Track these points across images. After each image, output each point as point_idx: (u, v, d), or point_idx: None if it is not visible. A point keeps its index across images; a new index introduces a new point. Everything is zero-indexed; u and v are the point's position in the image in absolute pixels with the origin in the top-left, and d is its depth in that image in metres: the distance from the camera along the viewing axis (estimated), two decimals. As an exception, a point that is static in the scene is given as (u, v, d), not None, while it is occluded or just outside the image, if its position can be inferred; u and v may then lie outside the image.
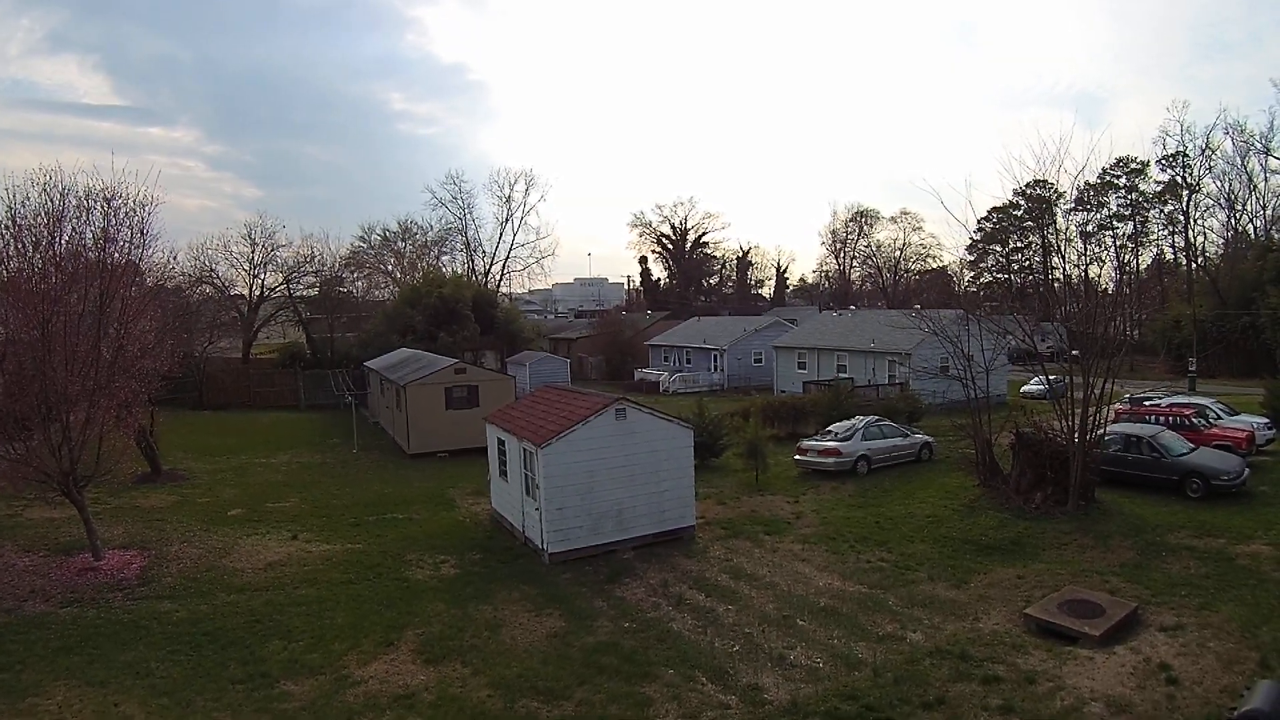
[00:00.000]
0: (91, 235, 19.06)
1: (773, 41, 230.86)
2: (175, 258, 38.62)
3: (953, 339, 25.33)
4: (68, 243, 18.53)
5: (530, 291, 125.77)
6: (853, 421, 28.29)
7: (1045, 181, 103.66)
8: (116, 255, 19.11)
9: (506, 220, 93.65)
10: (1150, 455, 23.03)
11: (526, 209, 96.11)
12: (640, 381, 63.66)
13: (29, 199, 18.22)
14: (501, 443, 21.53)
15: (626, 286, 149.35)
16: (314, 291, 72.02)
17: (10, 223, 17.93)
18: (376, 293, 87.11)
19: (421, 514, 23.86)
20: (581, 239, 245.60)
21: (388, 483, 28.73)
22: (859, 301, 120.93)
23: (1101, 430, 22.15)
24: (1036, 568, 17.10)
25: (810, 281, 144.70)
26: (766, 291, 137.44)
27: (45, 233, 18.11)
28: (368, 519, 23.31)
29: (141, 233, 19.69)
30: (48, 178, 18.38)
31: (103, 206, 18.99)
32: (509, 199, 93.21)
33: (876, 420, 28.49)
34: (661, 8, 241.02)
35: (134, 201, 19.36)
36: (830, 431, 27.85)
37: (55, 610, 16.08)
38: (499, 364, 63.85)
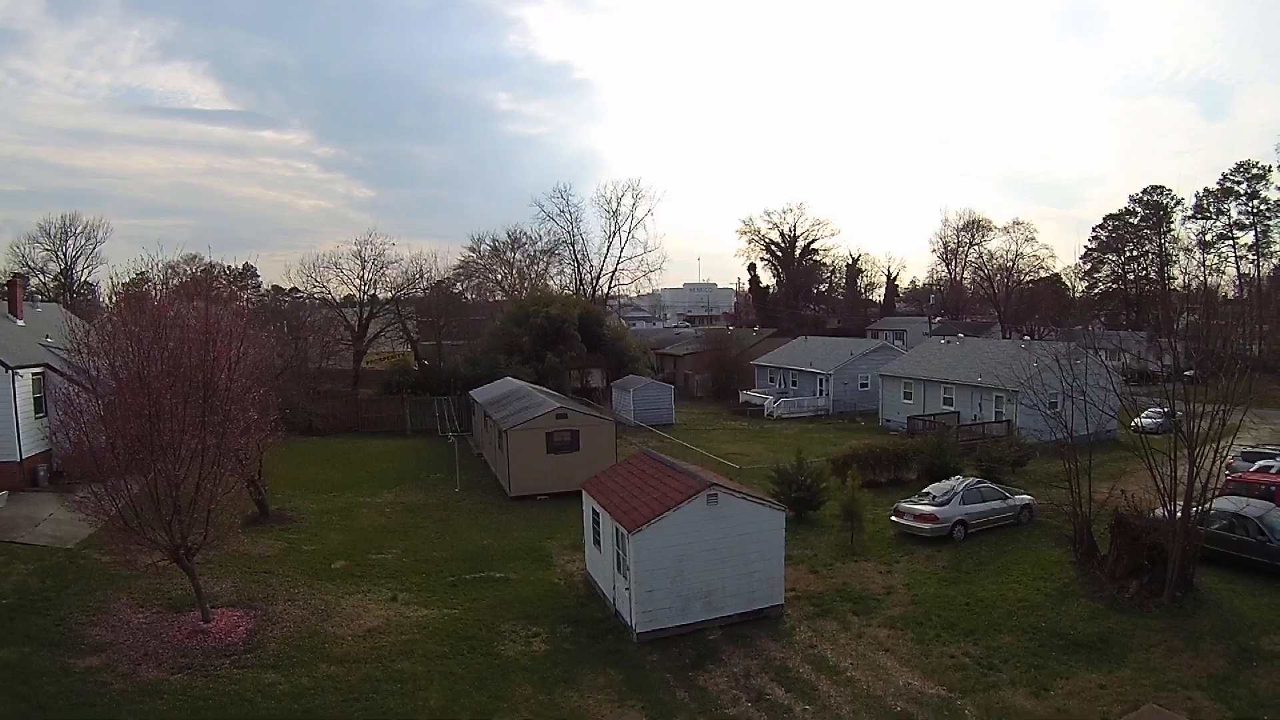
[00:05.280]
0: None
1: (884, 41, 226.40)
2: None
3: (1058, 410, 24.95)
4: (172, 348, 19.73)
5: (638, 296, 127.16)
6: (952, 483, 28.32)
7: (1162, 188, 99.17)
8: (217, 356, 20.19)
9: (614, 233, 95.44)
10: (1256, 538, 22.48)
11: (634, 222, 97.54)
12: (745, 404, 64.14)
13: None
14: (596, 514, 22.53)
15: (735, 293, 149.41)
16: (424, 293, 75.10)
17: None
18: (488, 297, 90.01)
19: (518, 573, 24.71)
20: (689, 238, 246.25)
21: (487, 530, 29.78)
22: (971, 309, 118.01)
23: (1207, 505, 21.49)
24: (1122, 674, 17.09)
25: (921, 285, 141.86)
26: (877, 295, 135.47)
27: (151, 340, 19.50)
28: (465, 577, 24.24)
29: (241, 341, 21.51)
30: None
31: (200, 319, 20.70)
32: (616, 213, 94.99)
33: (976, 483, 28.40)
34: (768, 6, 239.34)
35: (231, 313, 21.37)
36: (928, 494, 27.91)
37: (167, 677, 17.14)
38: (604, 382, 65.25)
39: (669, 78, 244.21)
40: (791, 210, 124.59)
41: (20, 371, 31.59)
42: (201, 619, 19.89)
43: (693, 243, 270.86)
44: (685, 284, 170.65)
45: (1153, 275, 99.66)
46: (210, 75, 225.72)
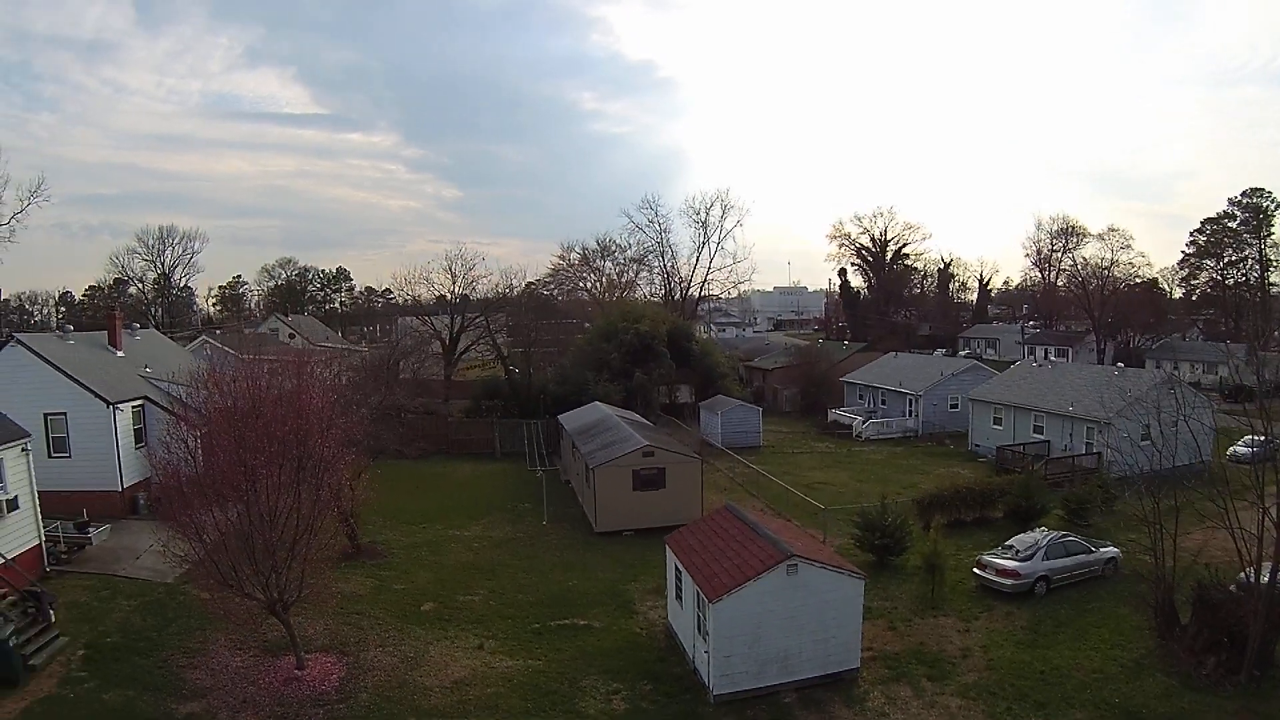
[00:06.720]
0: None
1: (970, 39, 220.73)
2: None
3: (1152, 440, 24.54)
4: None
5: (728, 301, 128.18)
6: (1036, 536, 28.41)
7: (1261, 190, 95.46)
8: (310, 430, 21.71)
9: (703, 244, 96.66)
10: (1342, 610, 22.16)
11: (723, 233, 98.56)
12: (833, 424, 64.20)
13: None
14: (679, 571, 23.55)
15: (825, 295, 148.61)
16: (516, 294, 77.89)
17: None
18: (578, 297, 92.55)
19: (601, 620, 25.65)
20: (777, 238, 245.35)
21: (572, 570, 30.70)
22: (1065, 314, 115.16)
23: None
24: (1191, 762, 17.41)
25: (1014, 286, 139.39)
26: (969, 296, 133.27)
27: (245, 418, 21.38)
28: (550, 624, 25.31)
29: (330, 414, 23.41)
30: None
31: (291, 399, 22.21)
32: (705, 223, 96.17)
33: (1060, 537, 28.38)
34: (849, 7, 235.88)
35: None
36: (1011, 546, 28.07)
37: (264, 726, 18.49)
38: (692, 398, 66.23)
39: (752, 75, 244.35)
40: (882, 214, 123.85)
41: (120, 406, 33.92)
42: (296, 666, 21.23)
43: (781, 242, 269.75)
44: (775, 288, 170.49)
45: (1252, 282, 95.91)
46: (298, 80, 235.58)
